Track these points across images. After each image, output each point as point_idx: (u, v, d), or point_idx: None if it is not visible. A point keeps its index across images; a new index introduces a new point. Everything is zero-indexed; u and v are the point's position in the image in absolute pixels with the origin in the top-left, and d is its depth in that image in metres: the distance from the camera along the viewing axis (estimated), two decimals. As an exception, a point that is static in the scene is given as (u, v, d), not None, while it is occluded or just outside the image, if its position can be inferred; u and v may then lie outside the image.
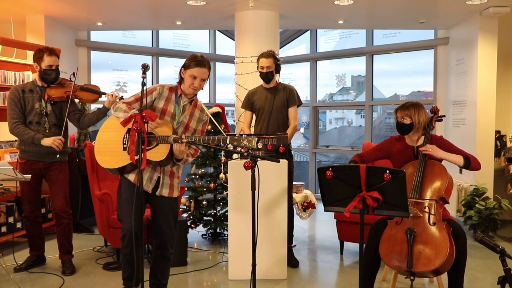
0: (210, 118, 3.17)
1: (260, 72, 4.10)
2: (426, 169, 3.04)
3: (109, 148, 2.88)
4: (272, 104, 4.10)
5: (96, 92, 3.77)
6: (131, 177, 2.89)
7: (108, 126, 2.97)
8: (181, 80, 2.94)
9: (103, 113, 3.74)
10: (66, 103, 3.71)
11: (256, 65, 4.18)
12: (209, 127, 4.68)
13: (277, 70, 4.12)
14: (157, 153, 2.79)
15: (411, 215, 2.86)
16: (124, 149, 2.86)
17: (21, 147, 3.71)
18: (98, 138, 2.96)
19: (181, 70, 2.93)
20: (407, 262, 2.70)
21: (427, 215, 2.88)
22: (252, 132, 4.23)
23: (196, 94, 3.02)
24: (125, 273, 2.96)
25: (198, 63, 2.86)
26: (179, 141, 2.78)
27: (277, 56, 4.13)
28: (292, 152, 4.18)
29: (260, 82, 4.21)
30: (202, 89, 2.99)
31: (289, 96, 4.11)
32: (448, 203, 3.02)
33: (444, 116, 3.33)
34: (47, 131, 3.66)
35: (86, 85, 3.85)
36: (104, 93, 3.70)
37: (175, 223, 3.04)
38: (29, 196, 3.77)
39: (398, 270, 2.83)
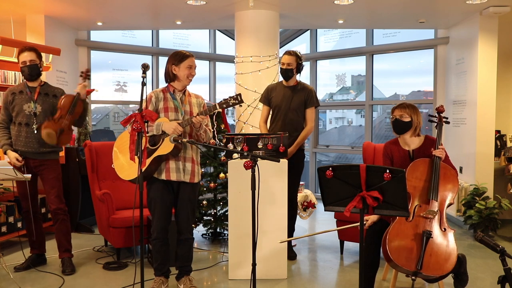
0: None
1: (280, 68, 4.17)
2: (440, 171, 3.00)
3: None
4: (290, 103, 4.12)
5: (73, 100, 3.68)
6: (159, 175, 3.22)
7: (120, 147, 3.30)
8: (174, 77, 3.25)
9: (80, 100, 3.68)
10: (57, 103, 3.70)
11: (256, 64, 4.19)
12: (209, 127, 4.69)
13: (299, 70, 4.15)
14: (165, 148, 3.11)
15: (427, 215, 2.86)
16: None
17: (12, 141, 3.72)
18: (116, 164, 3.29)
19: (171, 69, 3.24)
20: (417, 263, 2.70)
21: (439, 219, 2.89)
22: (268, 128, 4.24)
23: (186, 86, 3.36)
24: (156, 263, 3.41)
25: (188, 55, 3.26)
26: (179, 141, 2.89)
27: (300, 56, 4.15)
28: (304, 152, 4.26)
29: (260, 82, 4.22)
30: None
31: (308, 97, 4.13)
32: (452, 203, 3.05)
33: (447, 118, 3.42)
34: (35, 132, 3.66)
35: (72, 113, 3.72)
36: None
37: (193, 208, 3.35)
38: (24, 193, 3.75)
39: (404, 267, 2.77)
